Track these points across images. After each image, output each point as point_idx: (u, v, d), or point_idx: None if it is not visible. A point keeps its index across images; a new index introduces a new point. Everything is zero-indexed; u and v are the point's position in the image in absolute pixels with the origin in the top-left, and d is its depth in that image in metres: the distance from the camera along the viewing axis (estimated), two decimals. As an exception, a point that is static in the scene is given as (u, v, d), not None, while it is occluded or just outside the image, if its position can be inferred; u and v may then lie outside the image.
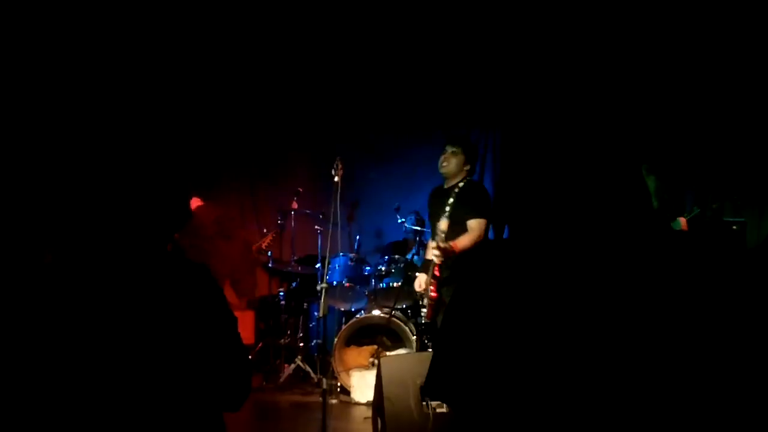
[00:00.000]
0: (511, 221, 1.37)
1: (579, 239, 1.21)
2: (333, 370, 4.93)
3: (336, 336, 5.03)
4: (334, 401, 4.80)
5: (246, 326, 6.05)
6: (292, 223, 5.73)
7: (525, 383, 1.16)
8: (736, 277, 1.13)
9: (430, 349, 4.85)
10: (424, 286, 4.24)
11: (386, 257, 5.46)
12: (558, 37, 5.67)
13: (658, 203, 4.21)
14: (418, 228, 5.49)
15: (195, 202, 5.55)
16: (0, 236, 5.02)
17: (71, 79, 5.76)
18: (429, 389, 1.36)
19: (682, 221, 4.03)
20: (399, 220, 5.65)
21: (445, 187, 4.30)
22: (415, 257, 5.49)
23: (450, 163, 4.22)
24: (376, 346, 5.14)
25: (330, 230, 4.79)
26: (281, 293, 5.78)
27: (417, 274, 4.46)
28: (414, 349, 4.85)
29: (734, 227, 4.62)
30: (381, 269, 5.34)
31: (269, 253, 6.02)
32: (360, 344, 5.19)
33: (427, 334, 4.99)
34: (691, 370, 1.10)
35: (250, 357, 5.51)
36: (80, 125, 5.77)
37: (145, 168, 1.68)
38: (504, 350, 1.18)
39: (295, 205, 5.70)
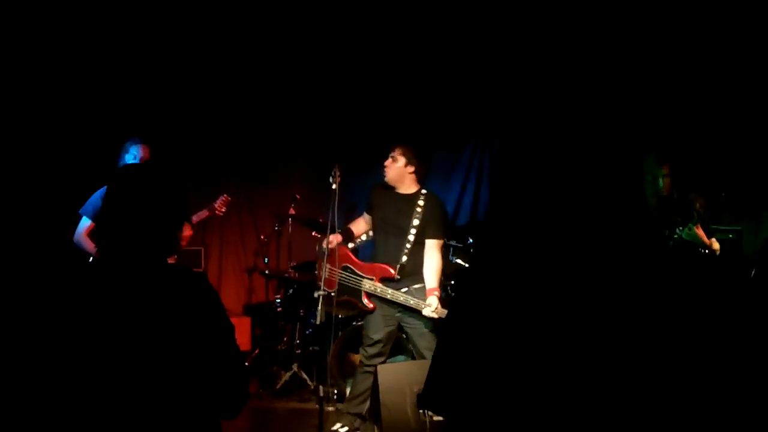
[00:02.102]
0: (507, 230, 1.37)
1: (573, 253, 1.21)
2: (330, 377, 4.91)
3: (333, 343, 5.01)
4: (330, 408, 4.79)
5: (242, 332, 6.04)
6: (290, 230, 5.73)
7: (521, 397, 1.17)
8: (716, 291, 1.14)
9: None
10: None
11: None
12: (554, 40, 5.66)
13: (657, 201, 4.16)
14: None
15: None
16: (1, 236, 5.01)
17: (74, 81, 5.76)
18: (426, 401, 1.36)
19: (699, 233, 4.00)
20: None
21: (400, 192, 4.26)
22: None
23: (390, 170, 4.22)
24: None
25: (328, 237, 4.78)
26: (278, 299, 5.77)
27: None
28: (411, 357, 4.84)
29: (730, 236, 4.63)
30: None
31: (266, 260, 6.01)
32: (357, 351, 5.17)
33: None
34: (680, 395, 1.10)
35: (246, 363, 5.52)
36: (81, 127, 5.78)
37: (147, 177, 1.68)
38: (500, 365, 1.18)
39: (292, 212, 5.70)
